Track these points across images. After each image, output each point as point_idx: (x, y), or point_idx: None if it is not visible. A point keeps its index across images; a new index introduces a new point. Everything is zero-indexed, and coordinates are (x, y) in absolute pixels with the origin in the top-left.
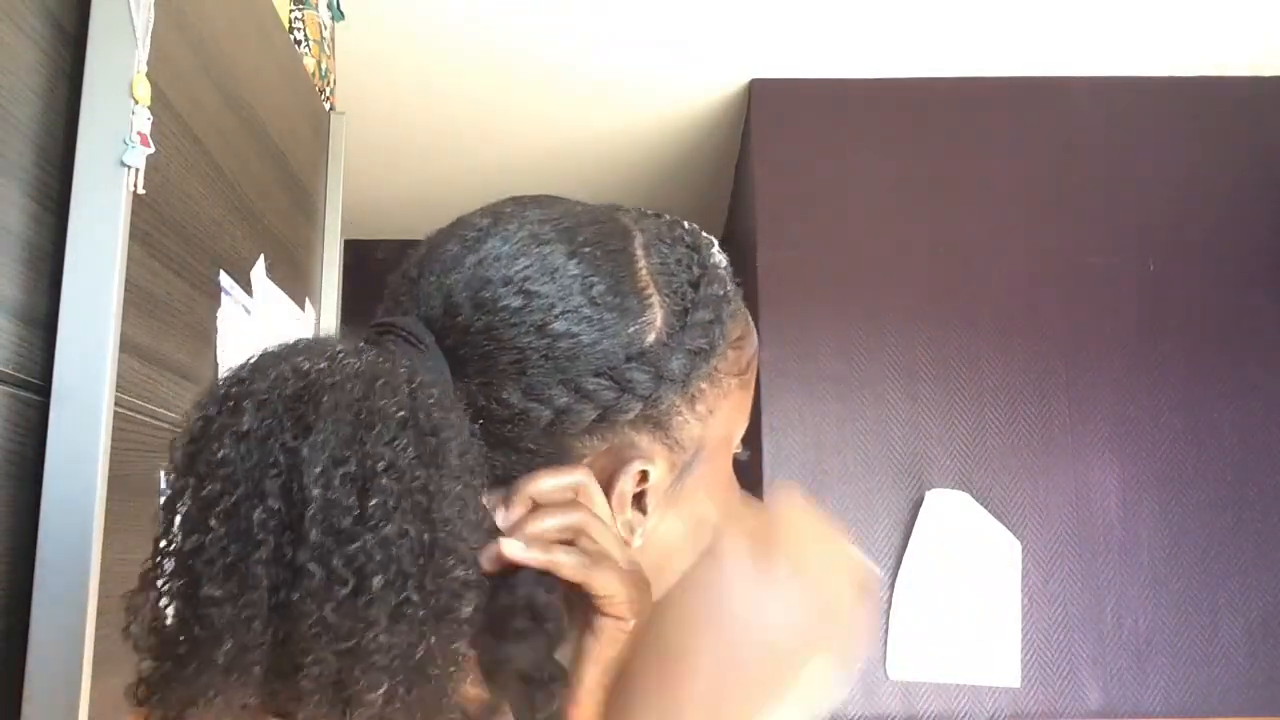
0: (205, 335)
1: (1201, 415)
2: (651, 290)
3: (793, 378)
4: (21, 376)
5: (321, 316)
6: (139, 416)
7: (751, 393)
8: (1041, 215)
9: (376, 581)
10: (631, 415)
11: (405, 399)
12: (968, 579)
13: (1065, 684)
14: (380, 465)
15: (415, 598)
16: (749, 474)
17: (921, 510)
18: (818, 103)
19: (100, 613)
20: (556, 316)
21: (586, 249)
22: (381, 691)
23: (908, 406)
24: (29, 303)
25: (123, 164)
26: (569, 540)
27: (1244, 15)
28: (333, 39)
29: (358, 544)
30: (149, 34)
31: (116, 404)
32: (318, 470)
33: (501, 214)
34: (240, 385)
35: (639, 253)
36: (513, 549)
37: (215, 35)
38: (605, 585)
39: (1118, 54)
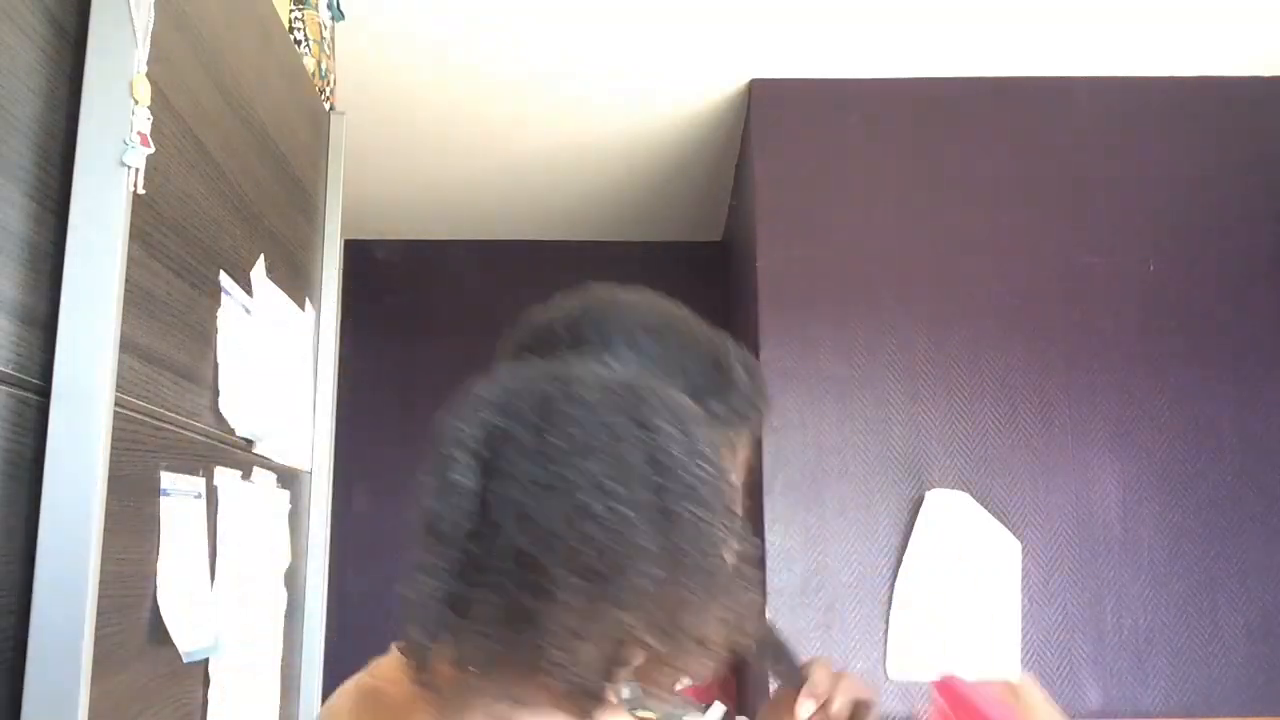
0: (205, 335)
1: (1201, 415)
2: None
3: (793, 378)
4: (21, 376)
5: (321, 316)
6: (139, 416)
7: None
8: (1042, 215)
9: (709, 536)
10: None
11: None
12: (968, 579)
13: (1065, 684)
14: (700, 447)
15: (726, 548)
16: (749, 475)
17: (921, 510)
18: (818, 103)
19: (100, 613)
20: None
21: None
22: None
23: (908, 406)
24: (29, 303)
25: (123, 164)
26: None
27: (1244, 15)
28: (333, 39)
29: (710, 513)
30: (149, 34)
31: (116, 404)
32: (679, 448)
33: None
34: (544, 382)
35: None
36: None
37: (215, 35)
38: None
39: (1118, 54)
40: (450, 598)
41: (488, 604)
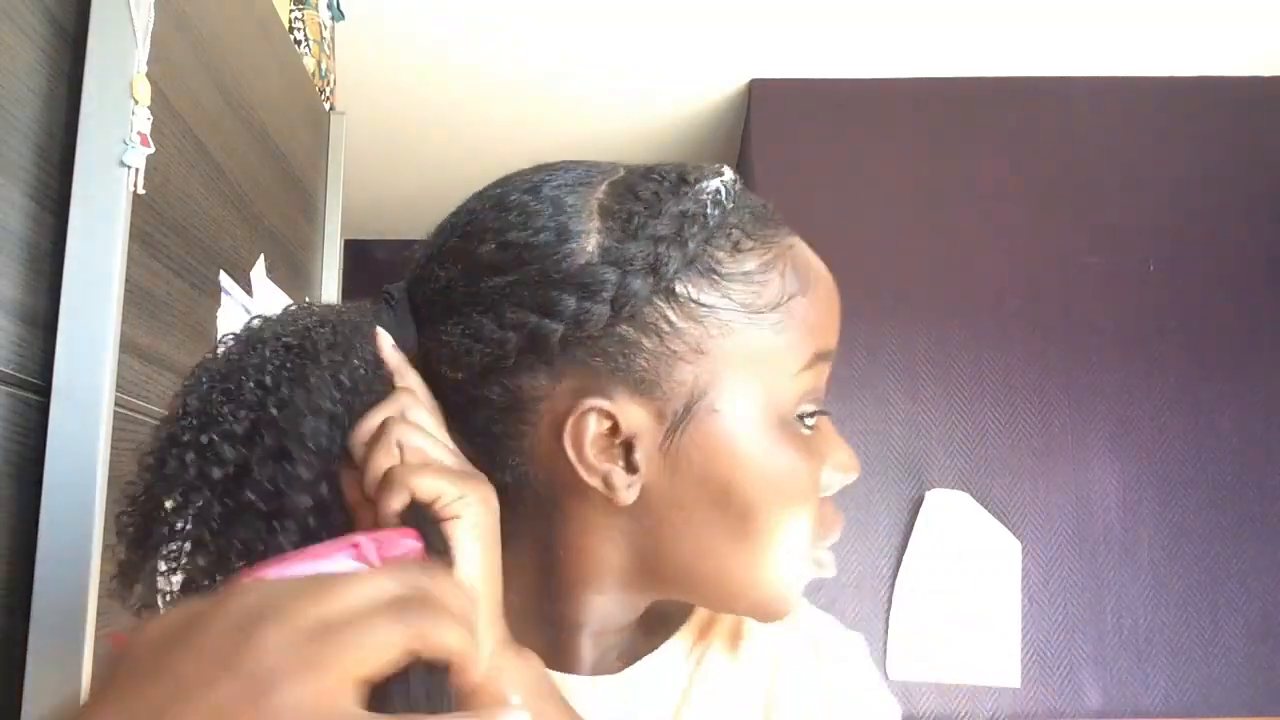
0: (205, 335)
1: (1201, 415)
2: (593, 219)
3: None
4: (21, 376)
5: None
6: (139, 416)
7: (801, 341)
8: (1041, 215)
9: (215, 473)
10: (555, 337)
11: (300, 329)
12: (968, 579)
13: (1065, 684)
14: (249, 380)
15: (251, 494)
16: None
17: (921, 510)
18: (818, 103)
19: (100, 613)
20: (485, 250)
21: (545, 189)
22: (203, 565)
23: (908, 406)
24: (29, 303)
25: (123, 164)
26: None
27: (1244, 15)
28: (333, 39)
29: (205, 437)
30: (149, 34)
31: (116, 404)
32: (204, 388)
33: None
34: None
35: (601, 190)
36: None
37: (215, 35)
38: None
39: (1118, 54)
40: None
41: None
